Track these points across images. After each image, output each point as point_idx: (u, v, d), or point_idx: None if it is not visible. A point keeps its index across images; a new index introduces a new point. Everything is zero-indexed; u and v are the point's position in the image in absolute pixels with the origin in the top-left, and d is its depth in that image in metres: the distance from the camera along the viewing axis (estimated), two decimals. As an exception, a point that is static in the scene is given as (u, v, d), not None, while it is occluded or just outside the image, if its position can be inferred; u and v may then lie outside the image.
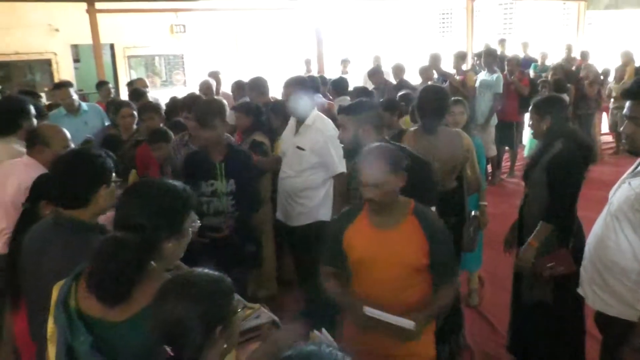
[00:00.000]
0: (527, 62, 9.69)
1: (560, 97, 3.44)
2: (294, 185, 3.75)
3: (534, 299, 3.23)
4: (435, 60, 7.47)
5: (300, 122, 3.73)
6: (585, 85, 8.46)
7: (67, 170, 2.09)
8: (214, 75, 7.31)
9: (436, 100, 3.39)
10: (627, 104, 2.43)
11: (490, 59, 7.39)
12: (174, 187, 1.81)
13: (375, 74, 7.65)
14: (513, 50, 10.44)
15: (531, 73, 8.90)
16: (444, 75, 7.45)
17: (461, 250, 3.55)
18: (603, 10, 12.90)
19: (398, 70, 7.70)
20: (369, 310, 2.19)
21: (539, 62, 9.86)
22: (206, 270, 1.52)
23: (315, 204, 3.76)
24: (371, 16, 14.66)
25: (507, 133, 7.63)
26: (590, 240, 2.61)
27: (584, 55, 10.20)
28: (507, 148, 7.93)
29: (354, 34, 14.44)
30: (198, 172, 3.34)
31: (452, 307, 3.63)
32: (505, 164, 8.27)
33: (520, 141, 8.42)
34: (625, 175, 2.51)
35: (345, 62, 10.02)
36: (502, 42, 10.42)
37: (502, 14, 14.94)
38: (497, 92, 7.06)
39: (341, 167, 3.61)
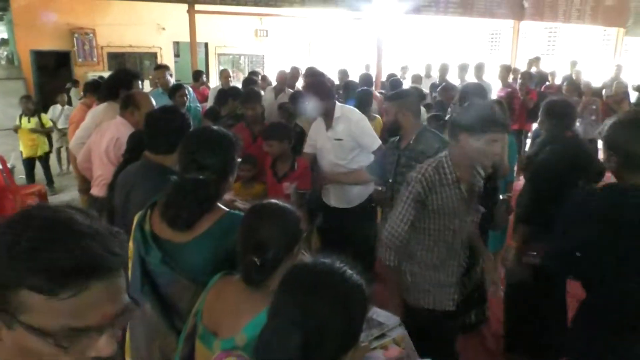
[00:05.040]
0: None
1: (562, 106, 3.05)
2: (350, 171, 3.59)
3: (514, 280, 3.10)
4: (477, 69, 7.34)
5: (329, 117, 3.57)
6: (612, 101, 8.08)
7: (161, 121, 2.20)
8: (294, 70, 7.27)
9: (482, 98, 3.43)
10: (637, 95, 2.43)
11: (479, 72, 7.24)
12: (228, 133, 1.83)
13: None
14: (553, 68, 10.00)
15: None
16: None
17: (493, 228, 3.46)
18: (640, 38, 12.17)
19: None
20: None
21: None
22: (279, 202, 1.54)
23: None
24: (427, 32, 14.39)
25: (516, 140, 7.43)
26: None
27: (618, 72, 9.64)
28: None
29: (411, 46, 14.23)
30: None
31: (480, 283, 3.57)
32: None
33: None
34: None
35: (404, 69, 10.03)
36: (536, 60, 9.99)
37: (546, 36, 14.31)
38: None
39: (376, 142, 3.47)
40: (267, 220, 1.46)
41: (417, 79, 8.42)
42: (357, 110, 3.67)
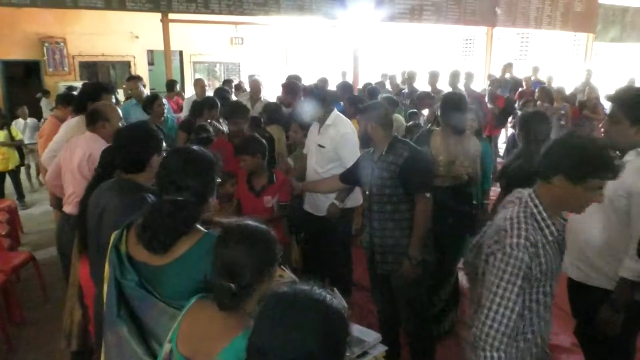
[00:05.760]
0: (536, 84, 9.49)
1: (536, 116, 3.13)
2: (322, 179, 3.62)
3: None
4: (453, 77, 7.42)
5: (322, 123, 3.65)
6: (586, 106, 8.30)
7: (128, 140, 2.15)
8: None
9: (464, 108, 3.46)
10: (610, 105, 2.46)
11: (453, 79, 7.29)
12: (208, 153, 1.79)
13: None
14: (526, 73, 10.21)
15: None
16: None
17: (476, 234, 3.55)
18: (608, 43, 12.51)
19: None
20: None
21: (546, 85, 9.65)
22: (255, 222, 1.50)
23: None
24: (403, 39, 14.54)
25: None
26: (573, 222, 2.56)
27: (588, 76, 9.92)
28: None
29: (387, 53, 14.35)
30: None
31: (454, 288, 3.66)
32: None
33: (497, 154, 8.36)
34: None
35: (384, 77, 10.13)
36: (509, 65, 10.20)
37: (518, 41, 14.60)
38: None
39: (351, 161, 3.45)
40: (237, 244, 1.42)
41: (381, 85, 8.45)
42: (350, 124, 3.70)
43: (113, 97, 3.91)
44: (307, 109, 3.60)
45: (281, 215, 3.34)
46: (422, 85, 7.86)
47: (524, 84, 9.69)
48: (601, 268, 2.39)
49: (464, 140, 3.43)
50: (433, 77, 7.48)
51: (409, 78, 7.78)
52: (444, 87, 7.45)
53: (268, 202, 3.30)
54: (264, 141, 3.35)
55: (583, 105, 8.56)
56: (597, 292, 2.38)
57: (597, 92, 8.63)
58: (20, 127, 7.39)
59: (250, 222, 1.49)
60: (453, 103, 3.44)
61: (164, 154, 2.08)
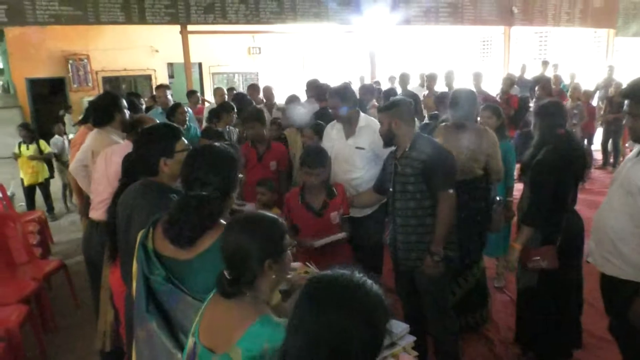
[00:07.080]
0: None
1: (552, 106, 3.06)
2: (363, 180, 3.57)
3: (521, 285, 3.17)
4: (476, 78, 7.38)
5: (354, 124, 3.63)
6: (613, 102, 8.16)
7: (137, 145, 2.24)
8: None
9: (467, 102, 3.43)
10: (626, 102, 2.40)
11: (448, 79, 7.29)
12: (230, 150, 1.84)
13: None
14: (548, 72, 10.07)
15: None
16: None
17: (489, 230, 3.57)
18: (631, 38, 12.29)
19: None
20: None
21: (569, 83, 9.50)
22: (265, 212, 1.55)
23: None
24: (420, 41, 14.51)
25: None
26: (602, 215, 2.52)
27: (610, 73, 9.74)
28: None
29: (404, 56, 14.33)
30: None
31: (479, 284, 3.62)
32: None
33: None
34: (631, 155, 2.47)
35: (392, 79, 10.11)
36: (544, 63, 10.02)
37: (537, 40, 14.43)
38: None
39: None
40: (237, 233, 1.45)
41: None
42: (377, 121, 3.69)
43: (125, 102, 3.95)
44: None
45: (346, 230, 3.06)
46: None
47: (552, 81, 9.53)
48: (631, 259, 2.34)
49: (473, 135, 3.40)
50: (430, 80, 7.52)
51: (402, 80, 7.78)
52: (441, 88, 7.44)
53: (335, 219, 3.02)
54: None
55: (611, 102, 8.40)
56: (631, 285, 2.33)
57: (622, 86, 8.47)
58: (59, 143, 7.54)
59: (259, 212, 1.54)
60: (451, 98, 3.49)
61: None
